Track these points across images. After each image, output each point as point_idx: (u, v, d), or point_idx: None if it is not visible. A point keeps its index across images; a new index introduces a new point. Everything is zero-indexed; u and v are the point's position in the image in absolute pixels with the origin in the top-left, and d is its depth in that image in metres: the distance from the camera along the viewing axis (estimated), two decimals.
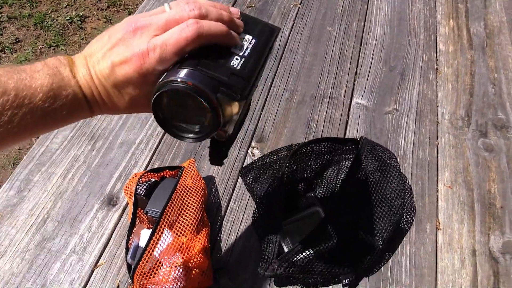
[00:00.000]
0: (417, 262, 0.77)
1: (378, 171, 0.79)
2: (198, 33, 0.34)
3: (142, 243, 0.72)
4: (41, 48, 1.99)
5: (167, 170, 0.80)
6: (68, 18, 2.11)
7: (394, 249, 0.78)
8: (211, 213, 0.81)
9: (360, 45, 1.15)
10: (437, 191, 0.86)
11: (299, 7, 1.26)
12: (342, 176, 0.84)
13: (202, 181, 0.79)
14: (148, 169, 0.86)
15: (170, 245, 0.69)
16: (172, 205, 0.72)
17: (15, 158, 1.66)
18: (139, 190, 0.75)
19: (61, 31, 2.06)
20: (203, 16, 0.36)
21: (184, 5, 0.36)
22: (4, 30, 2.04)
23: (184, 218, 0.72)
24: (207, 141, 0.42)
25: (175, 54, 0.34)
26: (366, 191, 0.76)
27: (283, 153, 0.87)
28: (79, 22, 2.11)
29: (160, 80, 0.35)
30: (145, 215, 0.74)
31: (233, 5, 1.26)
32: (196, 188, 0.77)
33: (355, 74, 1.08)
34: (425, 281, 0.75)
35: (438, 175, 0.88)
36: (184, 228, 0.71)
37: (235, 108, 0.36)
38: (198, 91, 0.34)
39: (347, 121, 0.97)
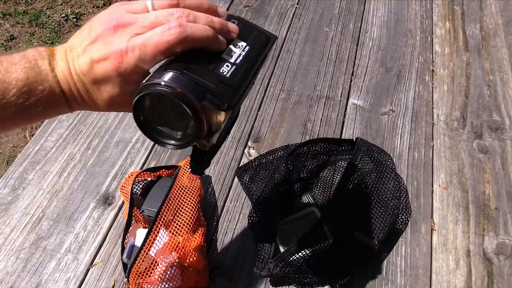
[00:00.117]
0: (412, 262, 0.77)
1: (374, 172, 0.79)
2: (180, 38, 0.33)
3: (138, 243, 0.72)
4: (36, 45, 1.97)
5: (164, 170, 0.80)
6: (63, 15, 2.10)
7: (389, 249, 0.79)
8: (207, 212, 0.81)
9: (357, 46, 1.15)
10: (432, 192, 0.86)
11: (296, 7, 1.26)
12: (338, 176, 0.85)
13: (199, 180, 0.79)
14: (144, 168, 0.86)
15: (166, 245, 0.69)
16: (168, 204, 0.72)
17: (9, 156, 1.64)
18: (135, 190, 0.75)
19: (57, 29, 2.05)
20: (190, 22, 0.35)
21: (171, 10, 0.35)
22: None
23: (180, 218, 0.72)
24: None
25: (155, 57, 0.33)
26: (362, 191, 0.76)
27: (279, 153, 0.88)
28: (75, 19, 2.10)
29: (143, 82, 0.33)
30: (141, 214, 0.74)
31: (230, 5, 1.26)
32: (193, 187, 0.77)
33: (352, 75, 1.08)
34: (420, 282, 0.75)
35: (434, 176, 0.88)
36: (180, 228, 0.71)
37: (220, 117, 0.34)
38: (182, 96, 0.32)
39: (343, 122, 0.98)
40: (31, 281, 0.73)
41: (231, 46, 0.38)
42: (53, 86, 0.34)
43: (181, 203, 0.73)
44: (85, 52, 0.33)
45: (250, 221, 0.79)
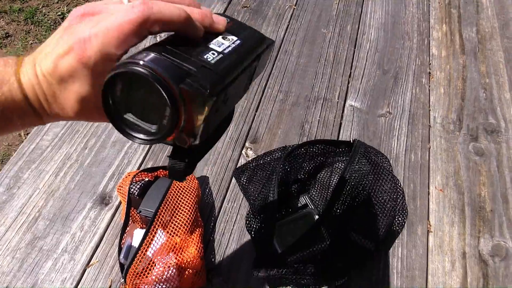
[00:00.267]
0: (409, 264, 0.77)
1: (371, 174, 0.80)
2: (144, 16, 0.29)
3: (135, 243, 0.72)
4: (31, 43, 1.96)
5: (161, 170, 0.80)
6: (59, 13, 2.09)
7: (386, 251, 0.79)
8: (205, 213, 0.81)
9: (354, 47, 1.16)
10: (428, 194, 0.87)
11: (294, 8, 1.26)
12: (335, 178, 0.85)
13: (196, 181, 0.79)
14: (141, 168, 0.86)
15: (164, 245, 0.69)
16: (166, 205, 0.72)
17: (4, 154, 1.63)
18: (132, 190, 0.75)
19: (52, 27, 2.04)
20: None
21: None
22: None
23: (177, 218, 0.72)
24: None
25: (120, 40, 0.29)
26: (359, 193, 0.77)
27: (277, 154, 0.88)
28: None
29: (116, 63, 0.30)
30: (138, 214, 0.74)
31: (227, 6, 1.26)
32: (190, 188, 0.77)
33: (349, 76, 1.09)
34: (416, 283, 0.75)
35: (430, 178, 0.89)
36: (177, 228, 0.71)
37: (201, 106, 0.30)
38: (156, 76, 0.28)
39: (340, 123, 0.98)
40: (27, 281, 0.73)
41: (220, 38, 0.35)
42: (13, 90, 0.31)
43: (179, 203, 0.73)
44: (53, 50, 0.31)
45: (247, 222, 0.79)
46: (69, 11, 2.10)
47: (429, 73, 1.10)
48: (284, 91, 1.04)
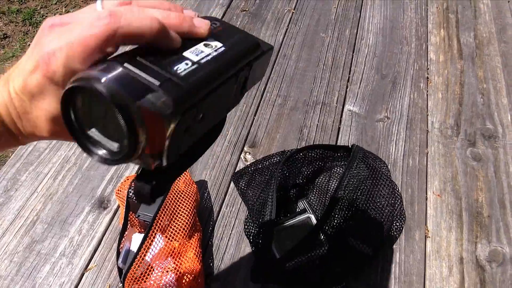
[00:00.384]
0: (406, 269, 0.78)
1: (370, 179, 0.80)
2: (109, 30, 0.27)
3: (134, 248, 0.72)
4: (29, 44, 1.96)
5: None
6: (58, 15, 2.09)
7: (384, 256, 0.79)
8: (203, 217, 0.81)
9: (353, 52, 1.16)
10: (426, 199, 0.87)
11: (293, 12, 1.27)
12: (333, 182, 0.85)
13: (195, 185, 0.79)
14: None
15: (162, 250, 0.69)
16: (165, 209, 0.72)
17: (1, 156, 1.63)
18: (131, 194, 0.75)
19: None
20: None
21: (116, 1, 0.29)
22: None
23: (176, 223, 0.72)
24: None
25: (85, 54, 0.27)
26: (357, 198, 0.77)
27: (275, 159, 0.88)
28: None
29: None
30: (137, 219, 0.74)
31: (226, 9, 1.27)
32: (189, 192, 0.77)
33: (348, 81, 1.09)
34: None
35: (428, 183, 0.89)
36: (176, 233, 0.71)
37: (165, 125, 0.27)
38: (113, 93, 0.25)
39: (339, 128, 0.98)
40: (24, 285, 0.73)
41: (201, 45, 0.32)
42: None
43: (177, 208, 0.73)
44: (23, 67, 0.29)
45: (246, 226, 0.79)
46: (67, 13, 2.09)
47: (427, 78, 1.11)
48: (282, 95, 1.04)
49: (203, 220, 0.81)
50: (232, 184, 0.86)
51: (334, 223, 0.75)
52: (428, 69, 1.13)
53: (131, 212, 0.75)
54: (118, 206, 0.82)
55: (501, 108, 1.04)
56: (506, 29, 1.25)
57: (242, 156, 0.91)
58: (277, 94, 1.04)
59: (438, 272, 0.78)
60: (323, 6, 1.29)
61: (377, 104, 1.04)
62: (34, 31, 2.01)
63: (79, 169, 0.88)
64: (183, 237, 0.71)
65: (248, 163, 0.89)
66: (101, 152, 0.29)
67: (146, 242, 0.68)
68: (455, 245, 0.81)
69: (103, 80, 0.26)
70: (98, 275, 0.74)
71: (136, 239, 0.72)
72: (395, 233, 0.82)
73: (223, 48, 0.32)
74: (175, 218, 0.72)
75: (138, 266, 0.67)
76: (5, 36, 1.98)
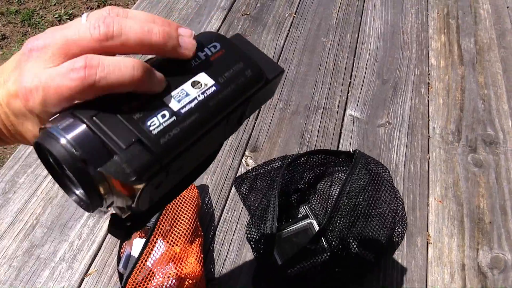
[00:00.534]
0: (408, 275, 0.77)
1: (371, 185, 0.80)
2: (85, 85, 0.25)
3: (134, 253, 0.71)
4: None
5: None
6: (56, 16, 2.08)
7: (385, 262, 0.79)
8: (204, 222, 0.81)
9: (354, 57, 1.16)
10: (428, 205, 0.87)
11: (294, 16, 1.27)
12: (335, 188, 0.85)
13: (196, 190, 0.79)
14: None
15: (163, 255, 0.68)
16: (166, 214, 0.71)
17: None
18: None
19: None
20: (111, 37, 0.26)
21: (91, 20, 0.26)
22: None
23: (177, 228, 0.71)
24: None
25: (60, 102, 0.26)
26: (359, 204, 0.77)
27: (277, 164, 0.87)
28: (68, 20, 2.08)
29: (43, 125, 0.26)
30: None
31: (227, 13, 1.26)
32: (190, 197, 0.76)
33: (349, 85, 1.09)
34: None
35: (429, 189, 0.89)
36: (177, 238, 0.70)
37: (131, 187, 0.25)
38: (64, 157, 0.24)
39: (340, 133, 0.98)
40: None
41: (187, 85, 0.28)
42: None
43: (179, 213, 0.73)
44: (7, 81, 0.28)
45: (247, 232, 0.78)
46: (66, 13, 2.09)
47: (428, 83, 1.11)
48: (284, 99, 1.04)
49: (204, 225, 0.80)
50: (233, 189, 0.86)
51: (336, 229, 0.74)
52: (429, 74, 1.13)
53: None
54: None
55: (502, 114, 1.05)
56: (505, 34, 1.26)
57: (243, 160, 0.91)
58: (278, 99, 1.04)
59: (440, 278, 0.78)
60: (324, 10, 1.29)
61: (378, 109, 1.03)
62: (33, 32, 2.00)
63: None
64: (184, 242, 0.71)
65: (250, 167, 0.89)
66: (78, 191, 0.28)
67: (147, 247, 0.67)
68: (457, 251, 0.81)
69: (61, 141, 0.24)
70: (98, 280, 0.73)
71: (137, 244, 0.72)
72: (397, 239, 0.81)
73: (213, 89, 0.28)
74: (177, 223, 0.72)
75: (139, 272, 0.66)
76: (3, 37, 1.97)
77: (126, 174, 0.24)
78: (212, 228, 0.81)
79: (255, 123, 0.98)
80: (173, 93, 0.27)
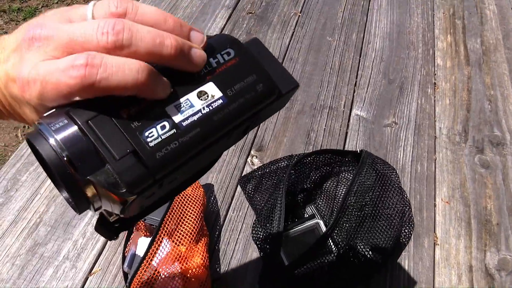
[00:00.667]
0: (415, 276, 0.77)
1: (379, 185, 0.79)
2: (84, 84, 0.23)
3: (139, 252, 0.71)
4: None
5: None
6: None
7: (392, 263, 0.78)
8: (209, 222, 0.80)
9: (360, 56, 1.15)
10: (435, 206, 0.86)
11: (299, 15, 1.26)
12: (341, 188, 0.84)
13: (202, 189, 0.78)
14: None
15: (169, 255, 0.67)
16: (172, 213, 0.70)
17: (0, 155, 1.61)
18: None
19: None
20: (120, 47, 0.24)
21: (103, 22, 0.24)
22: None
23: (183, 227, 0.71)
24: None
25: (57, 98, 0.24)
26: (366, 204, 0.76)
27: (283, 163, 0.87)
28: None
29: (37, 121, 0.25)
30: (142, 222, 0.72)
31: (232, 12, 1.26)
32: (196, 196, 0.75)
33: (355, 85, 1.08)
34: None
35: (436, 190, 0.88)
36: (183, 237, 0.69)
37: (120, 198, 0.24)
38: (52, 160, 0.23)
39: (346, 133, 0.97)
40: None
41: (192, 95, 0.26)
42: None
43: (185, 212, 0.72)
44: (6, 60, 0.27)
45: (253, 231, 0.77)
46: None
47: (435, 83, 1.10)
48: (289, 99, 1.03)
49: (210, 225, 0.79)
50: (239, 188, 0.85)
51: (343, 230, 0.73)
52: (435, 74, 1.12)
53: None
54: None
55: (509, 115, 1.04)
56: (510, 35, 1.25)
57: (249, 159, 0.90)
58: None
59: (448, 280, 0.77)
60: (330, 10, 1.28)
61: (384, 109, 1.03)
62: None
63: None
64: (190, 241, 0.70)
65: (255, 167, 0.88)
66: (65, 193, 0.27)
67: (153, 246, 0.66)
68: (464, 253, 0.80)
69: (51, 141, 0.23)
70: (102, 279, 0.73)
71: (142, 243, 0.71)
72: (404, 240, 0.81)
73: (220, 102, 0.26)
74: (182, 222, 0.71)
75: (145, 271, 0.65)
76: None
77: (117, 186, 0.23)
78: (218, 227, 0.80)
79: None
80: (176, 103, 0.25)
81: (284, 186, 0.76)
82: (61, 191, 0.27)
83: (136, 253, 0.71)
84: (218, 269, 0.75)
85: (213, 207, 0.82)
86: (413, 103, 1.05)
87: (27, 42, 0.25)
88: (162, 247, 0.68)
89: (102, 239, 0.77)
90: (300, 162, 0.82)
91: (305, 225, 0.76)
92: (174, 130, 0.24)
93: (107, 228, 0.30)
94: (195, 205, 0.74)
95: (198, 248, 0.71)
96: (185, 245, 0.69)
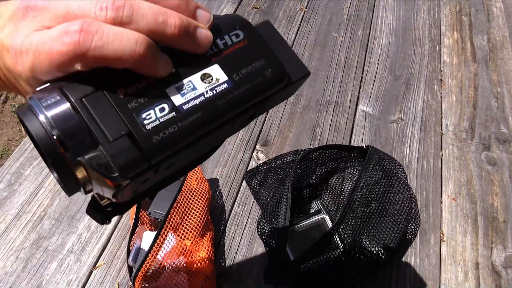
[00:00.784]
0: (421, 273, 0.76)
1: (385, 182, 0.78)
2: (77, 51, 0.22)
3: (144, 246, 0.70)
4: None
5: None
6: None
7: (398, 259, 0.78)
8: (215, 216, 0.79)
9: (366, 52, 1.15)
10: (441, 202, 0.86)
11: (305, 11, 1.25)
12: (347, 183, 0.83)
13: (207, 183, 0.78)
14: None
15: (174, 249, 0.67)
16: (177, 207, 0.70)
17: (3, 149, 1.61)
18: None
19: None
20: (119, 24, 0.23)
21: None
22: None
23: (188, 221, 0.70)
24: None
25: (50, 68, 0.23)
26: (372, 200, 0.75)
27: (288, 158, 0.86)
28: None
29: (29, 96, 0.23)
30: (147, 216, 0.72)
31: (238, 6, 1.25)
32: (201, 191, 0.75)
33: (361, 81, 1.07)
34: None
35: (442, 187, 0.88)
36: (188, 232, 0.69)
37: (108, 183, 0.23)
38: (41, 138, 0.21)
39: (352, 128, 0.97)
40: (31, 282, 0.71)
41: (195, 77, 0.24)
42: None
43: (190, 206, 0.71)
44: (2, 29, 0.25)
45: (259, 226, 0.77)
46: None
47: (441, 80, 1.09)
48: (295, 94, 1.02)
49: (215, 219, 0.79)
50: (244, 183, 0.85)
51: (349, 225, 0.73)
52: (441, 71, 1.12)
53: (142, 210, 0.74)
54: None
55: None
56: None
57: (254, 154, 0.90)
58: None
59: (454, 277, 0.76)
60: (335, 5, 1.28)
61: (390, 105, 1.02)
62: None
63: None
64: (195, 236, 0.69)
65: (261, 161, 0.88)
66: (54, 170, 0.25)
67: (158, 240, 0.66)
68: (471, 250, 0.80)
69: (40, 118, 0.21)
70: (107, 272, 0.72)
71: (147, 237, 0.70)
72: (410, 236, 0.80)
73: (224, 86, 0.24)
74: (188, 217, 0.70)
75: (150, 265, 0.65)
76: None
77: (109, 169, 0.22)
78: (223, 222, 0.79)
79: (266, 117, 0.97)
80: (178, 84, 0.24)
81: (290, 181, 0.76)
82: (51, 171, 0.25)
83: (141, 247, 0.70)
84: (223, 264, 0.74)
85: (218, 202, 0.82)
86: (419, 99, 1.04)
87: (22, 11, 0.24)
88: (167, 241, 0.67)
89: (106, 232, 0.77)
90: (306, 157, 0.82)
91: (311, 220, 0.76)
92: (174, 113, 0.23)
93: (98, 211, 0.29)
94: (200, 199, 0.73)
95: (203, 243, 0.71)
96: (190, 239, 0.69)
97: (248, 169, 0.87)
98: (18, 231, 0.76)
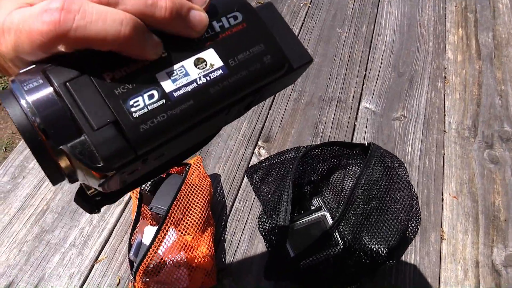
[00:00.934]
0: (421, 271, 0.76)
1: (386, 179, 0.78)
2: (57, 31, 0.20)
3: (146, 240, 0.71)
4: None
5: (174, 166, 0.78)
6: None
7: (398, 257, 0.78)
8: (216, 212, 0.80)
9: (370, 48, 1.14)
10: (442, 200, 0.86)
11: (309, 6, 1.24)
12: (348, 180, 0.84)
13: (208, 179, 0.78)
14: None
15: (175, 244, 0.67)
16: (178, 203, 0.70)
17: (8, 142, 1.62)
18: (144, 186, 0.73)
19: None
20: (105, 3, 0.21)
21: None
22: None
23: (189, 217, 0.70)
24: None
25: (32, 49, 0.21)
26: (373, 198, 0.75)
27: (290, 155, 0.86)
28: None
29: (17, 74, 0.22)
30: (149, 211, 0.72)
31: None
32: (202, 186, 0.75)
33: (364, 78, 1.07)
34: None
35: (444, 185, 0.88)
36: (189, 227, 0.69)
37: (92, 174, 0.22)
38: (22, 125, 0.20)
39: (354, 125, 0.96)
40: (33, 275, 0.71)
41: (188, 62, 0.23)
42: None
43: (191, 201, 0.72)
44: None
45: (260, 223, 0.77)
46: None
47: (445, 77, 1.09)
48: (298, 90, 1.02)
49: (216, 215, 0.79)
50: (245, 179, 0.85)
51: (350, 223, 0.73)
52: (445, 68, 1.11)
53: (143, 204, 0.74)
54: (130, 198, 0.81)
55: None
56: None
57: (256, 150, 0.90)
58: (292, 89, 1.02)
59: (454, 275, 0.76)
60: (340, 1, 1.27)
61: (393, 102, 1.02)
62: None
63: None
64: (196, 231, 0.70)
65: (262, 157, 0.88)
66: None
67: (159, 235, 0.66)
68: (471, 248, 0.80)
69: (22, 103, 0.20)
70: (108, 266, 0.73)
71: (148, 232, 0.71)
72: (410, 234, 0.80)
73: (219, 72, 0.23)
74: (189, 212, 0.71)
75: (151, 259, 0.65)
76: None
77: (93, 159, 0.20)
78: (224, 217, 0.80)
79: (268, 113, 0.97)
80: (169, 69, 0.22)
81: (291, 177, 0.76)
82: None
83: (142, 241, 0.71)
84: (223, 259, 0.75)
85: (220, 197, 0.82)
86: (423, 96, 1.03)
87: None
88: (168, 236, 0.68)
89: (108, 227, 0.77)
90: (308, 154, 0.82)
91: (312, 217, 0.76)
92: (163, 100, 0.22)
93: (86, 201, 0.28)
94: (201, 195, 0.73)
95: (204, 238, 0.71)
96: (191, 235, 0.69)
97: (249, 165, 0.87)
98: (21, 224, 0.77)
